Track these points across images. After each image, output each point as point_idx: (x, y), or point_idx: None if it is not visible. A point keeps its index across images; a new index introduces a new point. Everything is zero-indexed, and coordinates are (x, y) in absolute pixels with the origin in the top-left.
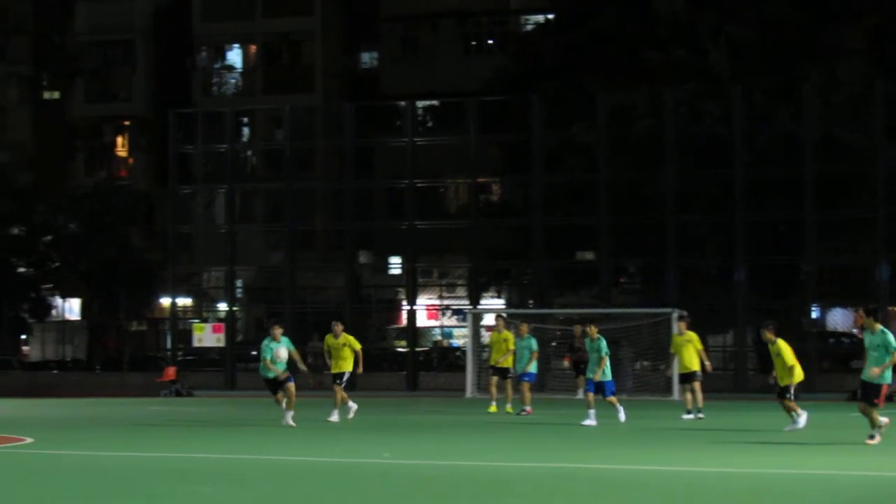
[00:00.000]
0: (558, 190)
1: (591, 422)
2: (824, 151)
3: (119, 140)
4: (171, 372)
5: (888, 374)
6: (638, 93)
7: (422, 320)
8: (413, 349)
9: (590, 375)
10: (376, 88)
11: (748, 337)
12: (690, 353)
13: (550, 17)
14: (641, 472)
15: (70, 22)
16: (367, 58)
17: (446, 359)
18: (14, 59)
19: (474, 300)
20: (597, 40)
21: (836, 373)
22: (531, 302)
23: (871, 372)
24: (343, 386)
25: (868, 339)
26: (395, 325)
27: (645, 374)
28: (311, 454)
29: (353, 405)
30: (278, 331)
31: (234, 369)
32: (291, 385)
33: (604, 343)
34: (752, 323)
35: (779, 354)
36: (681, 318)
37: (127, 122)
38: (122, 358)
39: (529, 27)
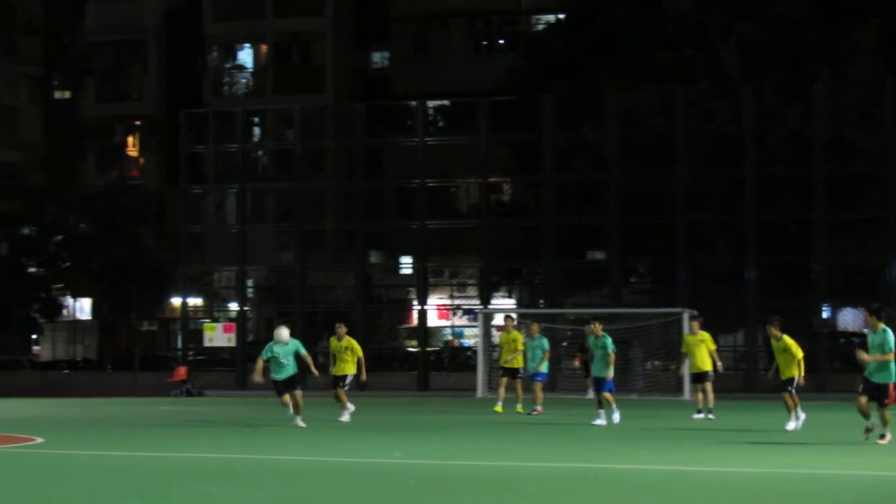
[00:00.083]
0: (569, 190)
1: (601, 421)
2: (834, 151)
3: (130, 140)
4: (181, 372)
5: (893, 372)
6: (648, 92)
7: (432, 320)
8: (424, 349)
9: (596, 374)
10: (387, 88)
11: (759, 337)
12: (703, 353)
13: (561, 16)
14: (651, 471)
15: (81, 22)
16: (378, 58)
17: (457, 359)
18: (25, 59)
19: (485, 300)
20: (607, 40)
21: (847, 373)
22: (542, 302)
23: (861, 355)
24: (346, 388)
25: (870, 338)
26: (406, 325)
27: (655, 374)
28: (322, 454)
29: (350, 408)
30: (286, 333)
31: (244, 369)
32: (299, 393)
33: (609, 340)
34: (762, 323)
35: (786, 350)
36: (694, 317)
37: (138, 122)
38: (133, 358)
39: (540, 27)
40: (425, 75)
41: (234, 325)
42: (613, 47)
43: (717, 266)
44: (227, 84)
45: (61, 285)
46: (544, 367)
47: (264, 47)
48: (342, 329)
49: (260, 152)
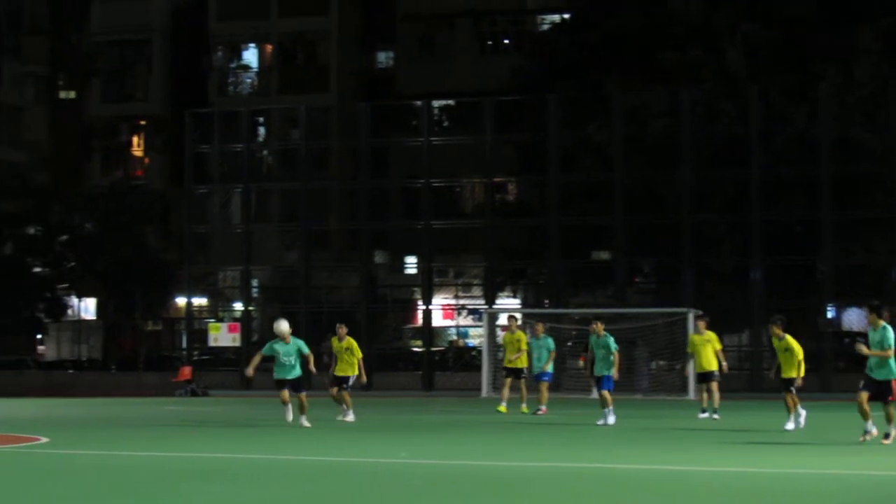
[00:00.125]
0: (574, 189)
1: (605, 420)
2: (840, 151)
3: (135, 140)
4: (186, 372)
5: (893, 369)
6: (654, 92)
7: (437, 320)
8: (429, 349)
9: (597, 373)
10: (392, 88)
11: (764, 336)
12: (709, 353)
13: (566, 16)
14: (656, 471)
15: (86, 22)
16: (383, 57)
17: (462, 358)
18: (30, 59)
19: (490, 300)
20: (613, 40)
21: (852, 372)
22: (547, 302)
23: (860, 348)
24: (348, 390)
25: (871, 336)
26: (411, 325)
27: (660, 374)
28: (327, 454)
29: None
30: (284, 325)
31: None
32: (303, 395)
33: (611, 340)
34: (767, 323)
35: (787, 349)
36: (700, 317)
37: (143, 122)
38: (138, 358)
39: (545, 27)
40: (430, 75)
41: (238, 324)
42: (619, 47)
43: (722, 266)
44: (232, 84)
45: (66, 285)
46: (550, 367)
47: (269, 47)
48: (342, 329)
49: (265, 152)
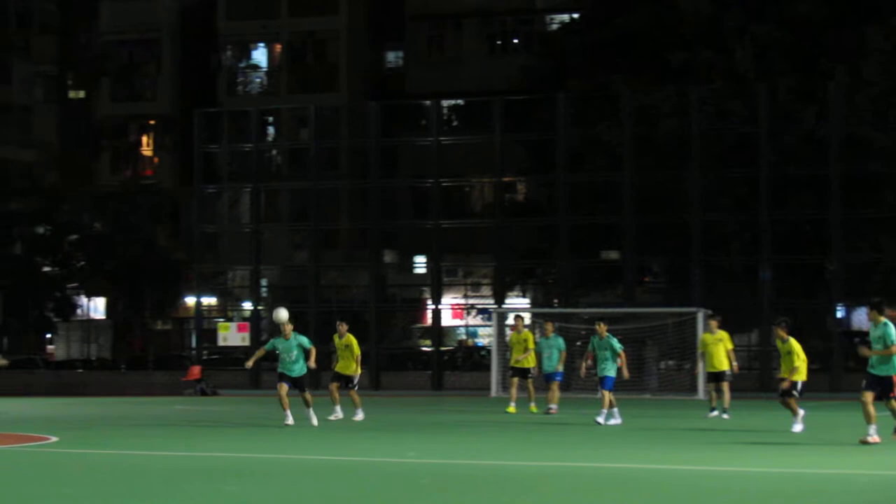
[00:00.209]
0: (583, 189)
1: (616, 420)
2: (849, 151)
3: (144, 139)
4: (195, 371)
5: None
6: (663, 92)
7: (447, 320)
8: (438, 348)
9: (599, 373)
10: (401, 87)
11: (772, 336)
12: (721, 352)
13: (575, 16)
14: (665, 471)
15: (95, 21)
16: (393, 57)
17: (471, 358)
18: (39, 59)
19: (499, 299)
20: (622, 40)
21: (862, 372)
22: (556, 301)
23: (863, 351)
24: (356, 389)
25: (872, 333)
26: (420, 325)
27: (669, 374)
28: (336, 453)
29: (338, 410)
30: (288, 326)
31: (258, 368)
32: (306, 394)
33: (615, 340)
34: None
35: (790, 352)
36: (712, 317)
37: (152, 122)
38: (147, 357)
39: (554, 26)
40: (439, 74)
41: (248, 324)
42: (628, 47)
43: (731, 265)
44: (241, 83)
45: (76, 284)
46: (561, 367)
47: (278, 46)
48: (343, 327)
49: (274, 152)
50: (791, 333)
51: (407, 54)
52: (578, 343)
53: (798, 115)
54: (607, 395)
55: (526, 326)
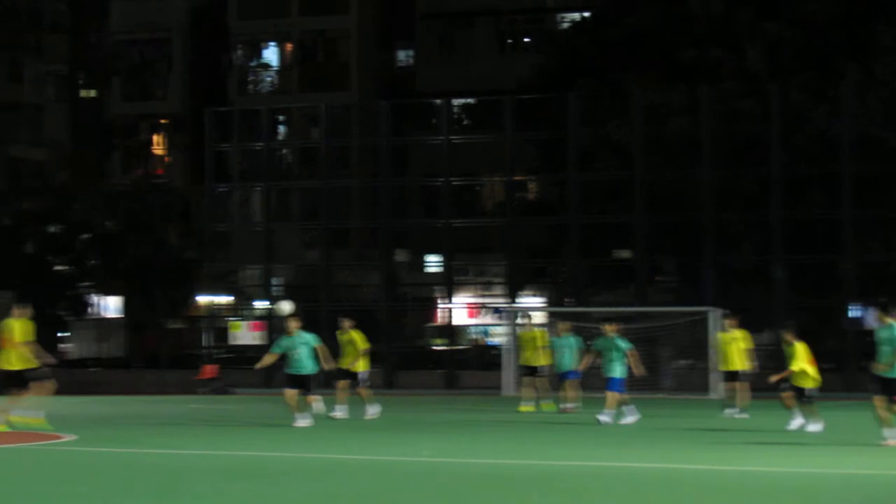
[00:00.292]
0: (594, 188)
1: (629, 419)
2: (861, 150)
3: (155, 138)
4: (209, 370)
5: None
6: (674, 91)
7: (459, 318)
8: (450, 347)
9: (607, 373)
10: (412, 86)
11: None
12: (737, 351)
13: (586, 15)
14: (678, 470)
15: (106, 21)
16: (403, 55)
17: (483, 357)
18: (51, 58)
19: (511, 298)
20: (633, 38)
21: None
22: (570, 300)
23: (875, 367)
24: (368, 384)
25: (879, 334)
26: (432, 324)
27: (682, 373)
28: (350, 452)
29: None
30: (294, 324)
31: (272, 367)
32: (309, 396)
33: (621, 340)
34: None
35: (793, 357)
36: (728, 316)
37: (163, 121)
38: (161, 356)
39: (565, 25)
40: (450, 73)
41: (260, 323)
42: (639, 45)
43: (743, 264)
44: (252, 82)
45: (88, 283)
46: (577, 365)
47: (289, 45)
48: (345, 323)
49: (285, 150)
50: (803, 334)
51: (417, 53)
52: (589, 342)
53: (810, 114)
54: (611, 396)
55: (535, 325)
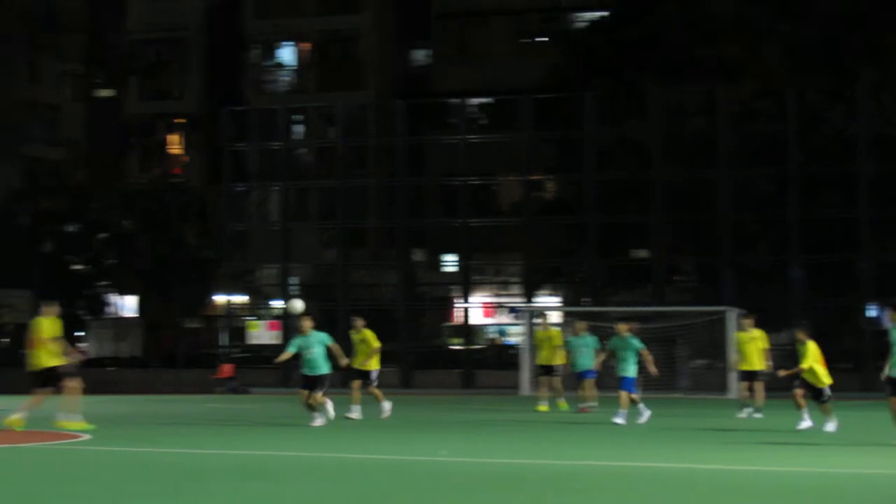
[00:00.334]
0: (611, 187)
1: (644, 417)
2: (878, 149)
3: (172, 138)
4: (226, 369)
5: None
6: (691, 90)
7: (476, 318)
8: (468, 347)
9: (621, 373)
10: (428, 86)
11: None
12: (755, 351)
13: (603, 14)
14: (695, 470)
15: (123, 20)
16: (420, 55)
17: (500, 357)
18: (68, 58)
19: (528, 298)
20: (650, 38)
21: None
22: (585, 300)
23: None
24: (375, 384)
25: (892, 334)
26: (449, 323)
27: (700, 373)
28: (366, 452)
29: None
30: (307, 323)
31: (288, 366)
32: (317, 395)
33: (635, 340)
34: (807, 321)
35: (804, 355)
36: (746, 315)
37: (180, 120)
38: (178, 355)
39: (582, 24)
40: (467, 73)
41: (277, 322)
42: (656, 45)
43: (761, 264)
44: (268, 82)
45: (106, 283)
46: (595, 365)
47: (306, 45)
48: (359, 322)
49: (302, 150)
50: (820, 333)
51: (434, 52)
52: (605, 342)
53: (826, 114)
54: (624, 396)
55: (550, 324)
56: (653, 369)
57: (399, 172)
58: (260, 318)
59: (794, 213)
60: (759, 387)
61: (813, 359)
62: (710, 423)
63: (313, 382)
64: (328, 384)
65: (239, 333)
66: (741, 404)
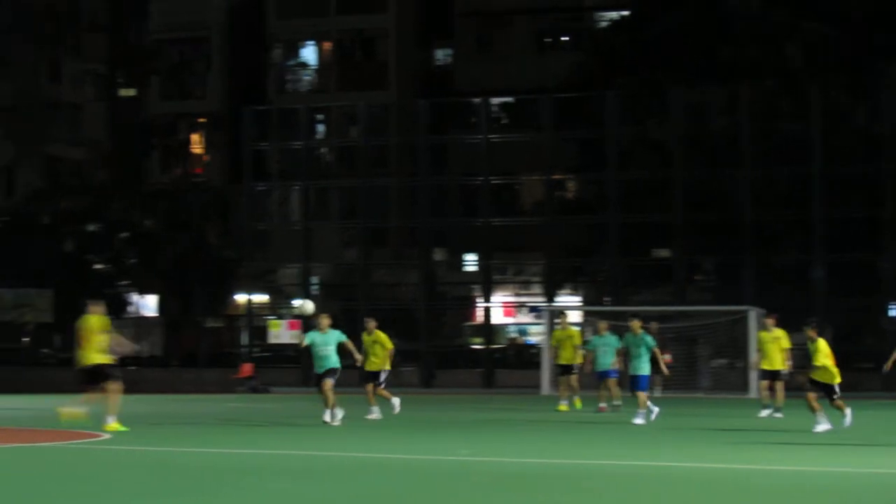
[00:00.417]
0: (633, 187)
1: (654, 412)
2: None
3: (194, 137)
4: (247, 368)
5: None
6: (713, 90)
7: (497, 317)
8: (489, 346)
9: (632, 371)
10: (450, 85)
11: (827, 335)
12: (777, 351)
13: (625, 13)
14: (713, 470)
15: (145, 20)
16: (442, 54)
17: (521, 356)
18: (89, 57)
19: (550, 297)
20: (671, 37)
21: None
22: (606, 299)
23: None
24: (383, 386)
25: None
26: (471, 323)
27: (721, 372)
28: (387, 451)
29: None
30: (325, 321)
31: (309, 366)
32: (327, 384)
33: (648, 338)
34: (829, 321)
35: (815, 353)
36: (769, 315)
37: (202, 120)
38: (199, 354)
39: (604, 24)
40: (489, 72)
41: (298, 321)
42: (678, 44)
43: (783, 264)
44: (290, 81)
45: (127, 282)
46: (617, 364)
47: (328, 44)
48: (371, 324)
49: (323, 149)
50: (842, 333)
51: (456, 52)
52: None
53: (849, 113)
54: (642, 396)
55: (570, 323)
56: (665, 370)
57: (420, 172)
58: (281, 317)
59: (817, 212)
60: (779, 386)
61: (825, 356)
62: (730, 423)
63: (324, 376)
64: (339, 374)
65: (260, 333)
66: (762, 404)
